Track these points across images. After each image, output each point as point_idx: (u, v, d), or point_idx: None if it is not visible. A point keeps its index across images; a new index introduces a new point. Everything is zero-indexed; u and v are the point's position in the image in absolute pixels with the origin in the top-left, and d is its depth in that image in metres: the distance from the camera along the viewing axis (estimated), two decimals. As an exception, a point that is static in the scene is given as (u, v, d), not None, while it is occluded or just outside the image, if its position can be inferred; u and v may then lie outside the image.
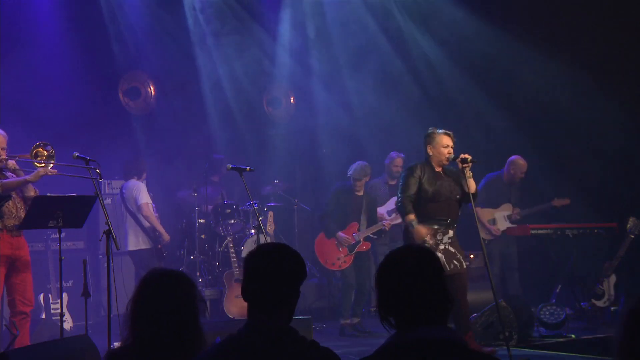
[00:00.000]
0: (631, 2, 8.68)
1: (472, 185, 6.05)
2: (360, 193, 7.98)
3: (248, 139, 10.17)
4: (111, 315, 5.12)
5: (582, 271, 8.28)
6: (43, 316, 7.37)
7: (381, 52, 10.18)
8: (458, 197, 6.17)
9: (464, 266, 6.13)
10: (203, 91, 9.88)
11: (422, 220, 6.10)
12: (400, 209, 6.22)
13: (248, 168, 6.33)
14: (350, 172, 7.95)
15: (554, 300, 7.65)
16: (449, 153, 6.12)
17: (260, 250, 2.55)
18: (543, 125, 9.44)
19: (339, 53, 10.32)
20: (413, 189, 6.13)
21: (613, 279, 7.98)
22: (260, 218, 6.33)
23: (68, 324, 7.38)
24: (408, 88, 10.17)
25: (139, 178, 7.90)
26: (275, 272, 2.46)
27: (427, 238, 6.04)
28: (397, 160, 8.69)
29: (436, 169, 6.19)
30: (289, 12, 10.22)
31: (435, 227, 6.09)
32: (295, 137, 10.50)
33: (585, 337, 6.90)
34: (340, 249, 7.88)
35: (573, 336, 6.94)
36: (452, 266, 6.03)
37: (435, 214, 6.10)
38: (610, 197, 8.75)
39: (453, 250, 6.10)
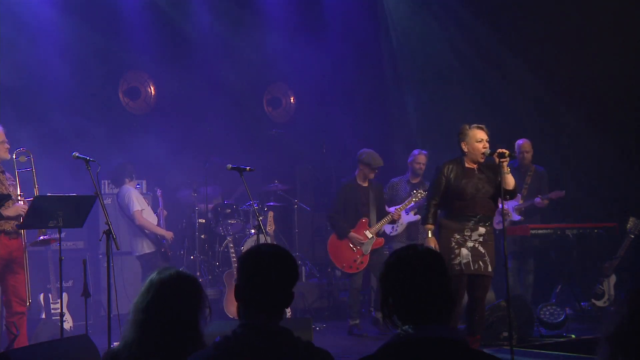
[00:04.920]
0: None
1: (509, 180, 5.89)
2: (366, 184, 7.71)
3: (248, 139, 10.16)
4: (111, 315, 5.11)
5: (582, 271, 8.28)
6: (43, 316, 7.36)
7: (384, 47, 10.19)
8: (489, 194, 5.99)
9: (489, 269, 5.94)
10: (203, 91, 9.87)
11: (451, 215, 6.01)
12: (423, 215, 6.14)
13: (248, 168, 6.30)
14: (363, 156, 7.65)
15: (554, 300, 7.65)
16: (484, 147, 5.95)
17: (254, 251, 2.55)
18: (542, 123, 9.45)
19: (339, 52, 10.33)
20: (438, 191, 6.02)
21: (613, 279, 7.99)
22: (260, 218, 6.31)
23: (68, 324, 7.37)
24: (412, 85, 10.18)
25: (130, 181, 7.91)
26: (268, 274, 2.46)
27: (455, 234, 5.95)
28: (420, 157, 8.27)
29: (467, 166, 6.02)
30: (291, 11, 10.22)
31: (465, 223, 5.96)
32: (295, 137, 10.49)
33: (585, 337, 6.89)
34: (355, 250, 7.61)
35: (573, 336, 6.93)
36: (476, 266, 5.88)
37: (463, 211, 5.97)
38: (610, 197, 8.75)
39: (482, 251, 5.93)
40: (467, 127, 6.04)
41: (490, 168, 6.06)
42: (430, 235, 6.00)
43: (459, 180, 5.97)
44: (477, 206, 5.96)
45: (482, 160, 6.01)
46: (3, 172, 6.09)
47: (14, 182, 6.12)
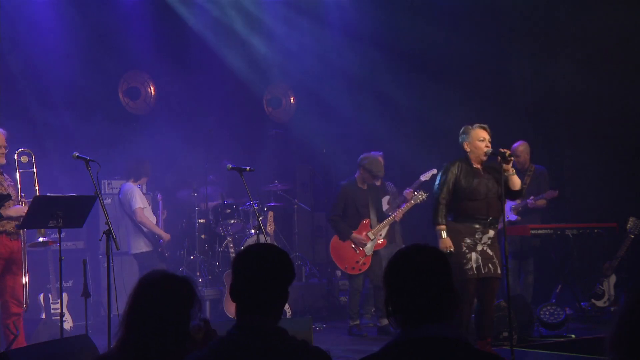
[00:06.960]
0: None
1: (516, 181, 5.87)
2: (365, 187, 7.69)
3: (248, 139, 10.16)
4: (111, 315, 5.11)
5: (582, 271, 8.28)
6: (43, 316, 7.36)
7: (385, 46, 10.17)
8: (497, 195, 5.92)
9: (499, 271, 5.90)
10: (203, 91, 9.87)
11: (460, 218, 5.92)
12: (434, 215, 5.98)
13: (248, 168, 6.31)
14: (365, 162, 7.58)
15: (554, 300, 7.65)
16: (486, 146, 5.92)
17: (248, 252, 2.54)
18: (542, 124, 9.44)
19: (340, 51, 10.33)
20: (448, 188, 5.92)
21: (613, 279, 7.98)
22: (260, 218, 6.31)
23: (68, 324, 7.37)
24: (412, 85, 10.18)
25: (136, 180, 7.92)
26: (263, 273, 2.45)
27: (466, 238, 5.87)
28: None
29: (474, 166, 5.97)
30: (289, 12, 10.22)
31: (476, 226, 5.89)
32: (295, 137, 10.49)
33: (585, 337, 6.89)
34: (358, 251, 7.58)
35: (573, 336, 6.93)
36: (486, 269, 5.84)
37: (474, 213, 5.89)
38: (610, 197, 8.75)
39: (491, 254, 5.89)
40: (470, 127, 6.02)
41: (493, 168, 6.03)
42: (444, 236, 5.88)
43: (470, 180, 5.90)
44: (489, 208, 5.92)
45: (484, 159, 5.98)
46: (1, 174, 6.08)
47: (12, 183, 6.11)
